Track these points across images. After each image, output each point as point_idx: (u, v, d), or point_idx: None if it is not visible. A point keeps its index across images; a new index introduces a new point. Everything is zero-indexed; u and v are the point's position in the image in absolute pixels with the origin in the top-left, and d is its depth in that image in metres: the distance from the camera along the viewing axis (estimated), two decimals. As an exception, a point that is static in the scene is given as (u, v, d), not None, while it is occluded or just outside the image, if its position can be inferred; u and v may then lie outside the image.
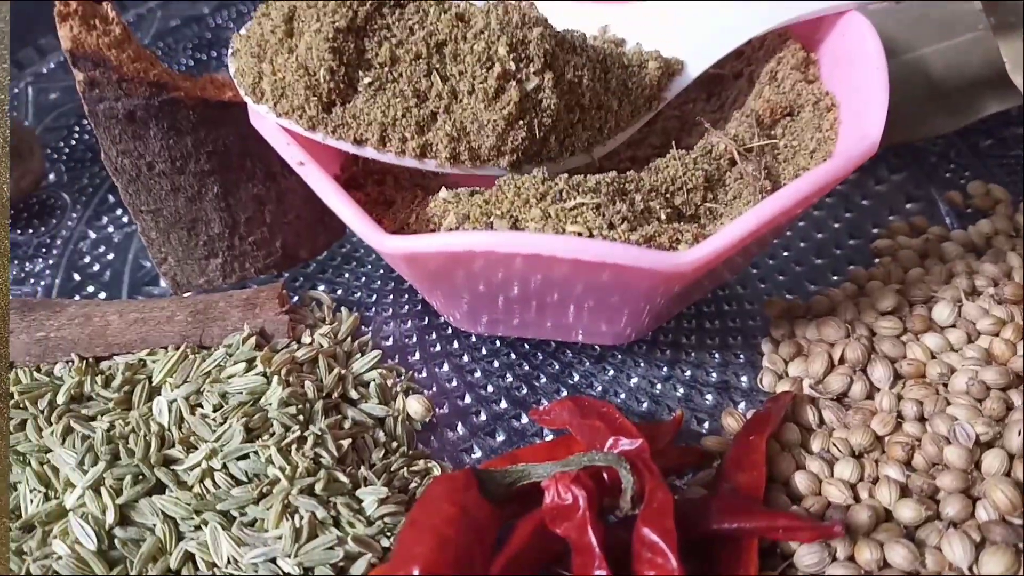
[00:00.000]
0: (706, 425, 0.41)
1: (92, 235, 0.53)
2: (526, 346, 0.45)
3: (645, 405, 0.42)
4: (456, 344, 0.45)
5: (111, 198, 0.55)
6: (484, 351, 0.45)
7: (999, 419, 0.36)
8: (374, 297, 0.48)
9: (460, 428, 0.42)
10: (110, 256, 0.52)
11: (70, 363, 0.42)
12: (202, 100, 0.40)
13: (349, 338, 0.44)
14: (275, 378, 0.39)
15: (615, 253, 0.32)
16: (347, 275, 0.49)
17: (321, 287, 0.48)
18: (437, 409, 0.42)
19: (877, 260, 0.47)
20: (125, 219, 0.54)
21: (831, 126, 0.40)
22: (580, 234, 0.34)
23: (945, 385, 0.39)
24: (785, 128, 0.41)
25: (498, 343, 0.45)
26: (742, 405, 0.42)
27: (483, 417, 0.42)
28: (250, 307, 0.44)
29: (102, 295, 0.50)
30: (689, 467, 0.39)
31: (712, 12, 0.42)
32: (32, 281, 0.51)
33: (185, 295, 0.46)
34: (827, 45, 0.42)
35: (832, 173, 0.34)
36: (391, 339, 0.46)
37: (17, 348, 0.43)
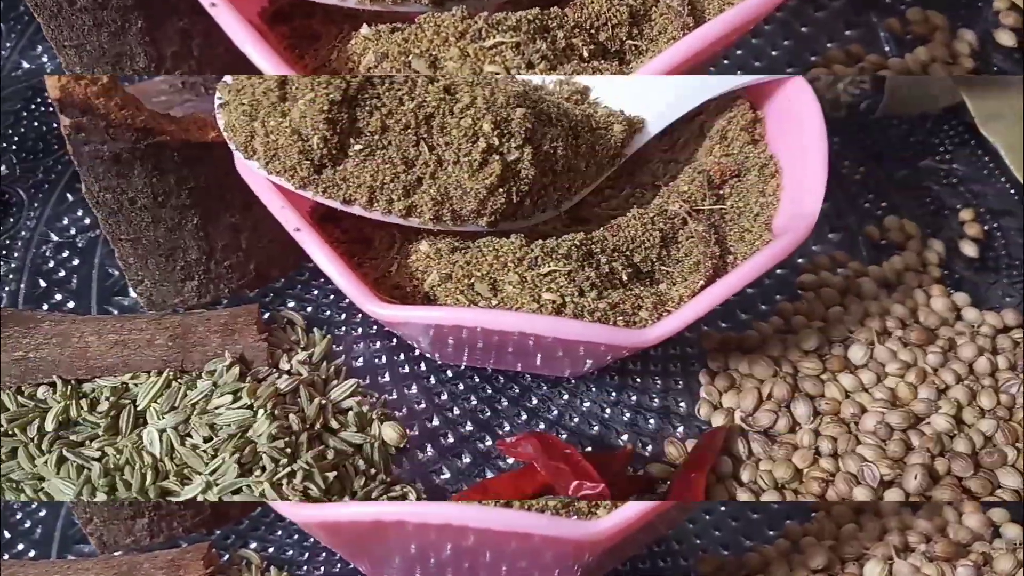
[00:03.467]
0: (649, 448, 0.46)
1: (55, 237, 0.53)
2: (488, 368, 0.49)
3: (596, 429, 0.47)
4: (423, 366, 0.49)
5: (70, 196, 0.55)
6: (450, 373, 0.48)
7: (899, 460, 0.42)
8: (343, 316, 0.50)
9: (429, 450, 0.46)
10: (76, 262, 0.52)
11: (52, 386, 0.44)
12: (186, 142, 0.42)
13: (324, 362, 0.47)
14: (261, 412, 0.42)
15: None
16: (316, 292, 0.51)
17: (291, 303, 0.50)
18: (408, 431, 0.46)
19: (801, 293, 0.52)
20: (87, 221, 0.54)
21: (774, 192, 0.44)
22: (554, 302, 0.38)
23: (857, 424, 0.44)
24: (732, 188, 0.45)
25: (462, 365, 0.49)
26: (680, 430, 0.47)
27: (451, 439, 0.46)
28: (229, 332, 0.46)
29: (71, 304, 0.50)
30: (637, 493, 0.44)
31: (670, 83, 0.45)
32: (-3, 287, 0.51)
33: (161, 314, 0.47)
34: (773, 105, 0.46)
35: (774, 257, 0.39)
36: (361, 359, 0.49)
37: (-5, 367, 0.44)
